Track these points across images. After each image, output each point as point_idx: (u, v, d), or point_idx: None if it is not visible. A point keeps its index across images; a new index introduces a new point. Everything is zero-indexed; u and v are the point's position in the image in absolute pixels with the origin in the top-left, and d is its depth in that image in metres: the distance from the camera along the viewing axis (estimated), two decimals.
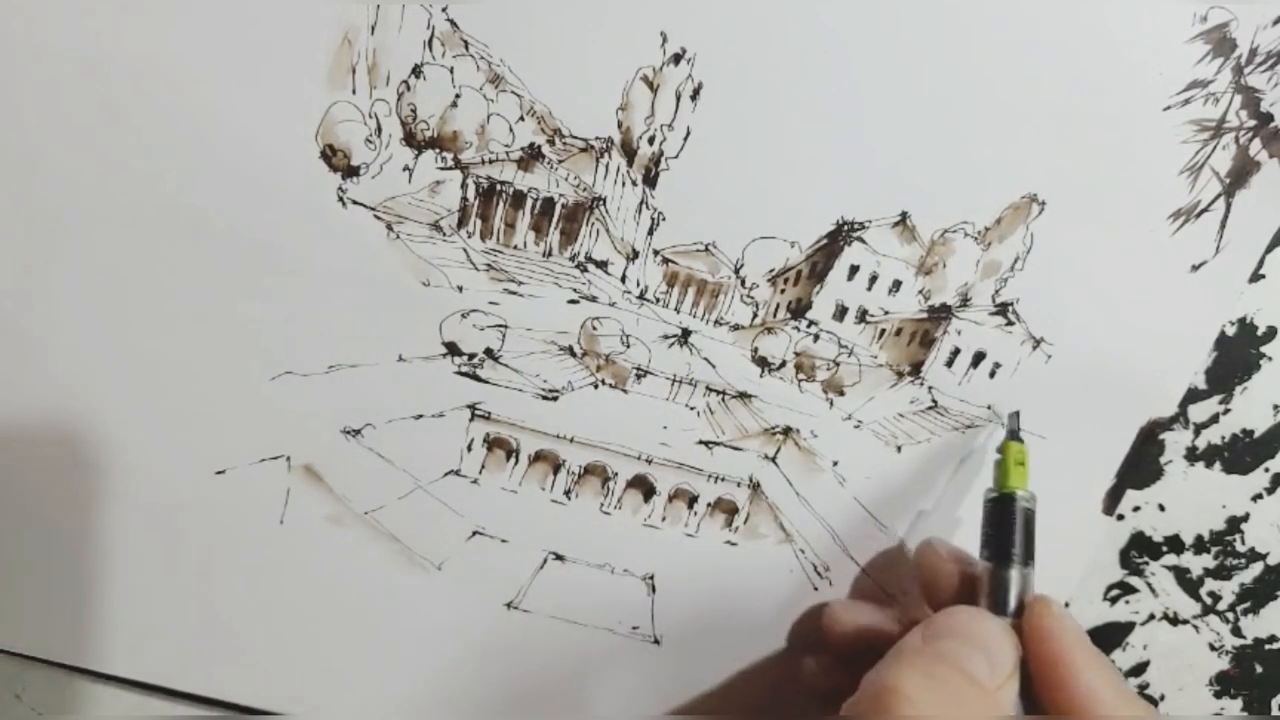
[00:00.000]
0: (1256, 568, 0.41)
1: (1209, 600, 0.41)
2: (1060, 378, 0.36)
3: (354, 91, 0.30)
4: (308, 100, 0.30)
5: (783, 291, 0.34)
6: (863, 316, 0.35)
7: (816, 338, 0.35)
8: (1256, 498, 0.40)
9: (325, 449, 0.35)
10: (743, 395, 0.35)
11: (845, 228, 0.33)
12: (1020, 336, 0.35)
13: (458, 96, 0.31)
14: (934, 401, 0.36)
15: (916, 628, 0.30)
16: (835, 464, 0.37)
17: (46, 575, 0.35)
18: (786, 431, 0.36)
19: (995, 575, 0.32)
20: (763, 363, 0.35)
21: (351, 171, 0.31)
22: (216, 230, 0.32)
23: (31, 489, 0.34)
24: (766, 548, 0.37)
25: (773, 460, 0.36)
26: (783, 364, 0.35)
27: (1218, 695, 0.43)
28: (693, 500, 0.37)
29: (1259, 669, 0.43)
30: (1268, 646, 0.42)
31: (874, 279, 0.34)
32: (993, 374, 0.36)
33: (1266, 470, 0.39)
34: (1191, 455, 0.38)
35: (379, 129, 0.31)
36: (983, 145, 0.32)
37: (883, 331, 0.35)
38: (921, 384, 0.36)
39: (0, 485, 0.34)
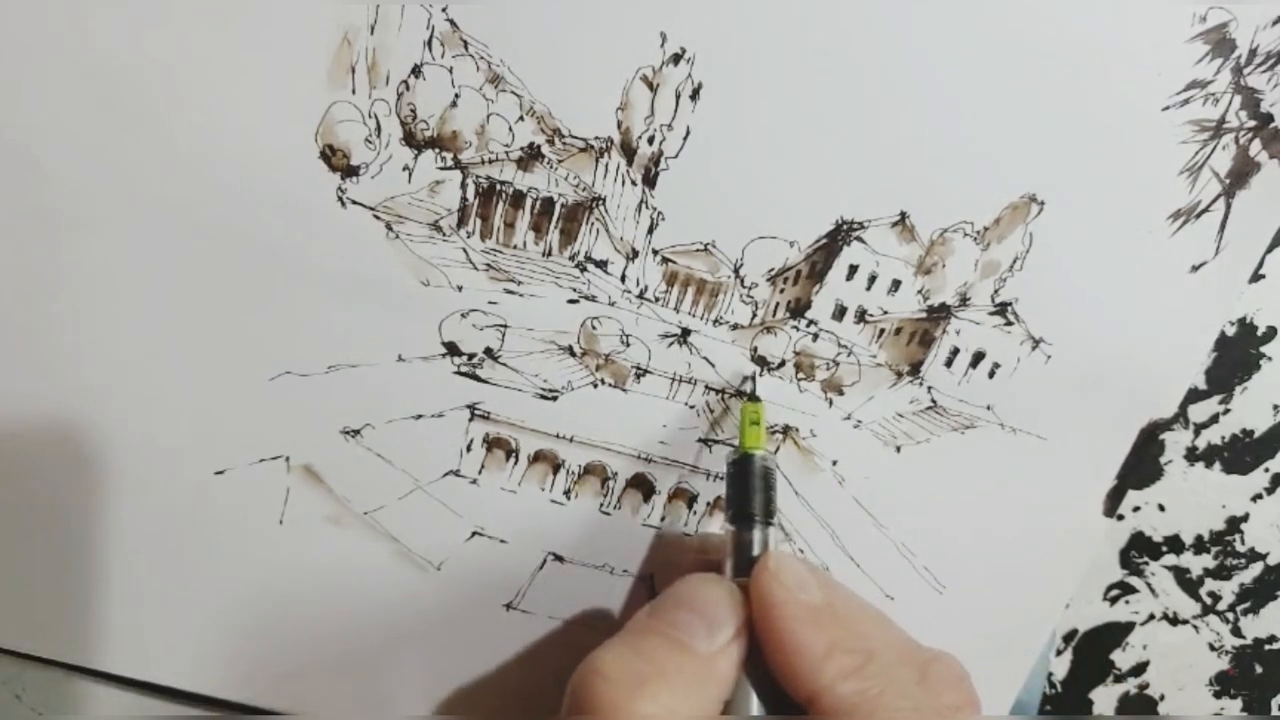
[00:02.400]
0: (1256, 568, 0.41)
1: (1209, 600, 0.41)
2: (1060, 378, 0.36)
3: (353, 91, 0.30)
4: (307, 100, 0.30)
5: (782, 291, 0.34)
6: (862, 316, 0.35)
7: (816, 337, 0.35)
8: (1256, 498, 0.40)
9: (325, 449, 0.35)
10: (741, 394, 0.35)
11: (844, 227, 0.33)
12: (1019, 336, 0.35)
13: (457, 96, 0.31)
14: (933, 401, 0.36)
15: (649, 602, 0.30)
16: (834, 463, 0.37)
17: (47, 575, 0.35)
18: (785, 431, 0.36)
19: (737, 537, 0.31)
20: (762, 362, 0.35)
21: (351, 171, 0.31)
22: (215, 231, 0.32)
23: (32, 488, 0.34)
24: None
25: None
26: (782, 363, 0.35)
27: (1218, 695, 0.43)
28: (692, 499, 0.37)
29: (1259, 669, 0.43)
30: (1268, 646, 0.42)
31: (873, 278, 0.34)
32: (992, 374, 0.36)
33: (1266, 470, 0.39)
34: (1191, 455, 0.38)
35: (378, 129, 0.31)
36: (982, 145, 0.32)
37: (882, 331, 0.35)
38: (920, 384, 0.36)
39: (0, 484, 0.34)
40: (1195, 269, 0.34)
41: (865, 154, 0.32)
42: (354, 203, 0.32)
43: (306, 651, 0.37)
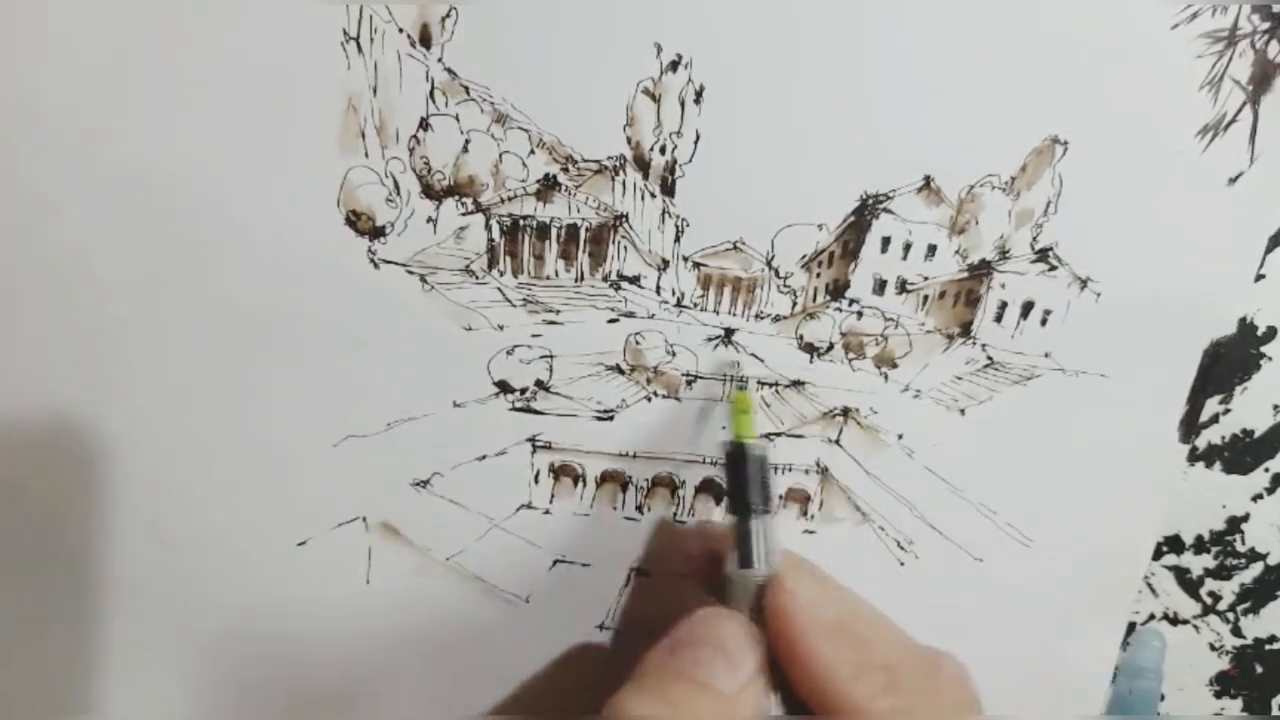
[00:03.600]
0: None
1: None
2: (1113, 314, 0.35)
3: (366, 154, 0.31)
4: (323, 171, 0.31)
5: (818, 275, 0.34)
6: (903, 286, 0.35)
7: (860, 315, 0.35)
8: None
9: (398, 503, 0.35)
10: (796, 383, 0.35)
11: (870, 201, 0.33)
12: (1066, 280, 0.35)
13: (467, 141, 0.31)
14: (990, 359, 0.36)
15: (664, 639, 0.29)
16: (900, 437, 0.36)
17: (138, 658, 0.36)
18: (845, 412, 0.36)
19: (738, 529, 0.31)
20: (810, 349, 0.35)
21: (378, 232, 0.32)
22: (255, 312, 0.32)
23: (123, 577, 0.35)
24: (845, 531, 0.37)
25: (836, 443, 0.36)
26: (830, 346, 0.35)
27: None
28: None
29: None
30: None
31: (908, 247, 0.34)
32: (1044, 321, 0.35)
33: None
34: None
35: (397, 186, 0.32)
36: (995, 95, 0.32)
37: (926, 297, 0.35)
38: (974, 343, 0.36)
39: (87, 578, 0.35)
40: (1233, 181, 0.33)
41: (879, 124, 0.32)
42: (386, 262, 0.32)
43: (409, 703, 0.38)
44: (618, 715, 0.26)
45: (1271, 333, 0.36)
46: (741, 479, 0.31)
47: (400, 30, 0.30)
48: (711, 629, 0.28)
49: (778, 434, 0.36)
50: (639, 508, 0.36)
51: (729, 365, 0.35)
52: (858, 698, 0.27)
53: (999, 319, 0.35)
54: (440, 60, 0.30)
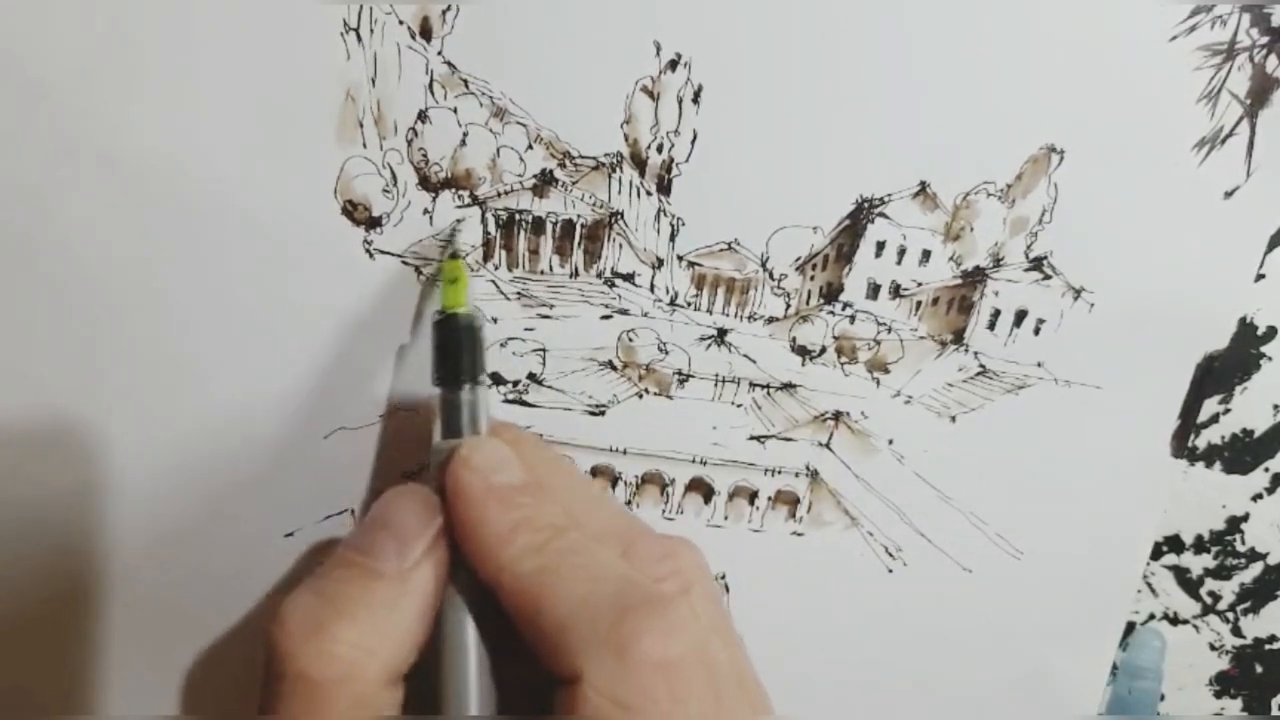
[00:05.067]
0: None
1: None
2: (1107, 325, 0.35)
3: (364, 145, 0.31)
4: (321, 161, 0.31)
5: (812, 278, 0.34)
6: (896, 291, 0.35)
7: (853, 319, 0.35)
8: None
9: None
10: (787, 386, 0.35)
11: (865, 205, 0.33)
12: (1059, 289, 0.35)
13: (465, 135, 0.32)
14: (982, 366, 0.36)
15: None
16: (890, 442, 0.36)
17: (125, 647, 0.37)
18: (837, 416, 0.36)
19: (444, 400, 0.29)
20: (802, 351, 0.35)
21: (374, 223, 0.32)
22: (252, 301, 0.33)
23: (113, 569, 0.36)
24: (834, 534, 0.37)
25: (827, 446, 0.36)
26: (823, 350, 0.35)
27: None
28: (753, 496, 0.37)
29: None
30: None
31: (902, 252, 0.34)
32: (1037, 330, 0.35)
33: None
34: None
35: (394, 178, 0.32)
36: (992, 102, 0.32)
37: (919, 303, 0.35)
38: (966, 350, 0.36)
39: (79, 576, 0.36)
40: (1229, 195, 0.34)
41: (876, 129, 0.32)
42: (381, 252, 0.32)
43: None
44: (273, 615, 0.25)
45: (1271, 333, 0.36)
46: (447, 350, 0.30)
47: (400, 22, 0.30)
48: (383, 509, 0.27)
49: (768, 436, 0.36)
50: (628, 503, 0.36)
51: (446, 230, 0.33)
52: (504, 556, 0.26)
53: (992, 327, 0.35)
54: (440, 53, 0.30)
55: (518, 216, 0.33)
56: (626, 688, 0.23)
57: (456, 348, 0.30)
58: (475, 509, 0.26)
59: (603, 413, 0.35)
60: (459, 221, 0.33)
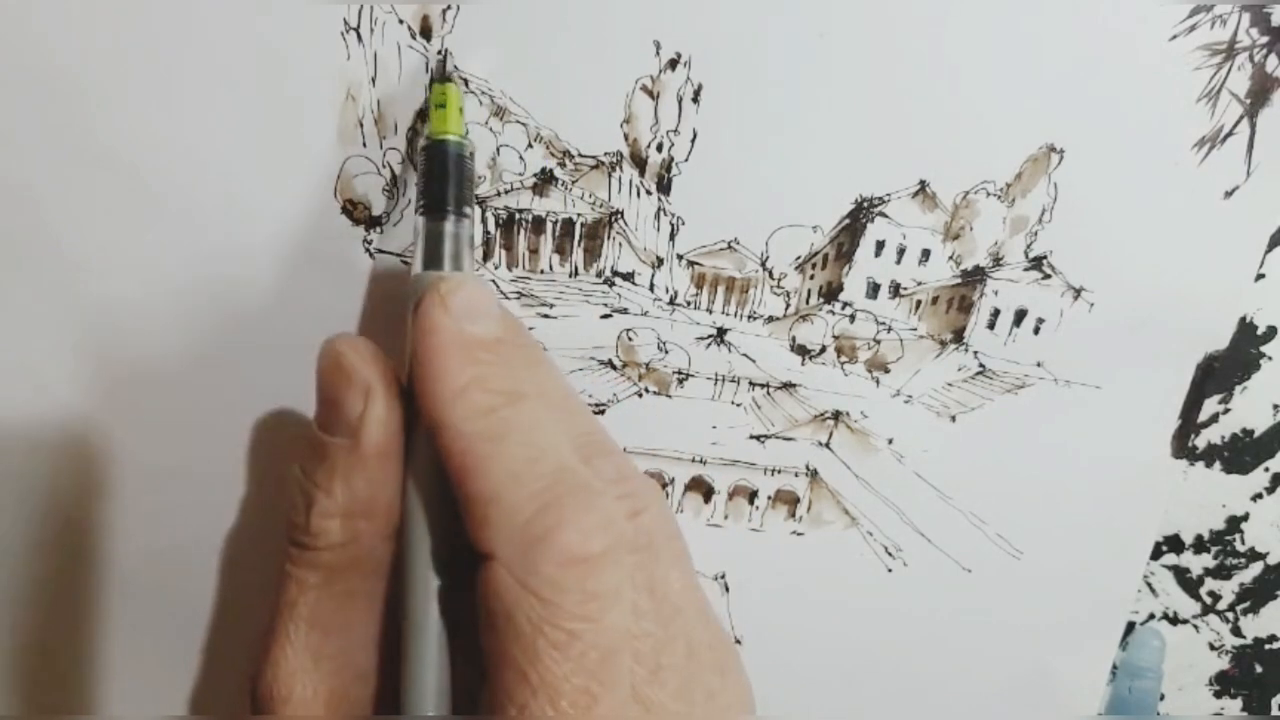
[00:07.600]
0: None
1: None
2: (1107, 325, 0.35)
3: (364, 144, 0.31)
4: (321, 160, 0.31)
5: (812, 277, 0.34)
6: (896, 290, 0.35)
7: (853, 318, 0.35)
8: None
9: None
10: (787, 385, 0.35)
11: (865, 205, 0.33)
12: (1059, 289, 0.35)
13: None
14: (981, 366, 0.36)
15: None
16: (890, 441, 0.36)
17: (139, 648, 0.37)
18: (836, 416, 0.36)
19: (427, 229, 0.28)
20: (802, 351, 0.35)
21: (374, 222, 0.32)
22: (253, 300, 0.33)
23: (113, 569, 0.36)
24: (833, 534, 0.37)
25: (826, 446, 0.36)
26: (822, 349, 0.35)
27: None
28: (753, 495, 0.37)
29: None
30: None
31: (902, 251, 0.34)
32: (1037, 330, 0.35)
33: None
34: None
35: (394, 177, 0.32)
36: (992, 102, 0.32)
37: (919, 303, 0.35)
38: (966, 350, 0.36)
39: (89, 579, 0.36)
40: (1228, 195, 0.33)
41: (875, 127, 0.32)
42: (381, 251, 0.33)
43: None
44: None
45: (1271, 332, 0.36)
46: (435, 176, 0.29)
47: (401, 22, 0.30)
48: (325, 374, 0.26)
49: (768, 436, 0.36)
50: None
51: (438, 54, 0.31)
52: (451, 413, 0.24)
53: (992, 326, 0.35)
54: (440, 53, 0.30)
55: (517, 215, 0.33)
56: (538, 579, 0.22)
57: (443, 175, 0.29)
58: (437, 358, 0.24)
59: (602, 412, 0.35)
60: (447, 50, 0.31)
